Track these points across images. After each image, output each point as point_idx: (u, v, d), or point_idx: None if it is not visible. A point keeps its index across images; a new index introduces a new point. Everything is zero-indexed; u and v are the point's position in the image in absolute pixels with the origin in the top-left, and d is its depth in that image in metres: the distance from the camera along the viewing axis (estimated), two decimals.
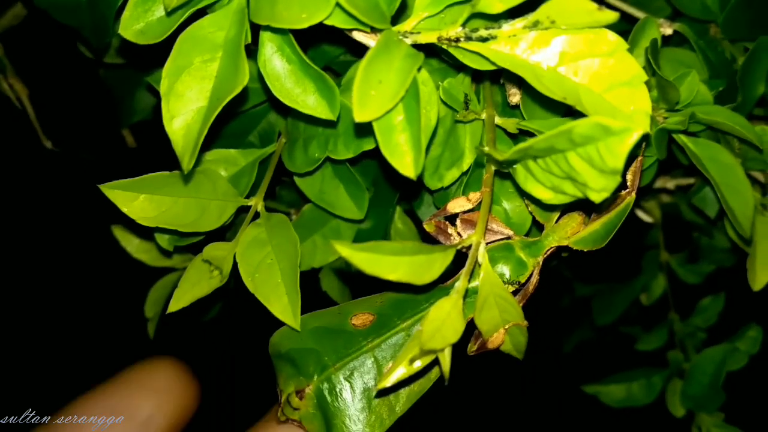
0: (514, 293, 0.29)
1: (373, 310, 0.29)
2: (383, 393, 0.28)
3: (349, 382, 0.28)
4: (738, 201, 0.32)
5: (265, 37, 0.26)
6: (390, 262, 0.22)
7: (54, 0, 0.34)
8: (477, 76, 0.31)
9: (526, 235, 0.31)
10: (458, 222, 0.28)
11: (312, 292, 0.37)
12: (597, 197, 0.22)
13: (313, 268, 0.38)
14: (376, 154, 0.30)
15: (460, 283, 0.26)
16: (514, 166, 0.25)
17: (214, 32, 0.25)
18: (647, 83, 0.23)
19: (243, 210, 0.33)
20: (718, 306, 0.55)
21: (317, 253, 0.37)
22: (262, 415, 0.31)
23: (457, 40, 0.24)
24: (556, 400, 0.97)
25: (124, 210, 0.29)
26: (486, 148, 0.28)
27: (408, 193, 0.36)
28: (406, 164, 0.24)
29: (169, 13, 0.26)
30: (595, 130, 0.21)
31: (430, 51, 0.27)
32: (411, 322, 0.28)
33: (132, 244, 0.44)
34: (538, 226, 0.31)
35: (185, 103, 0.25)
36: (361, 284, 0.41)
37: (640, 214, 0.53)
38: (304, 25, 0.24)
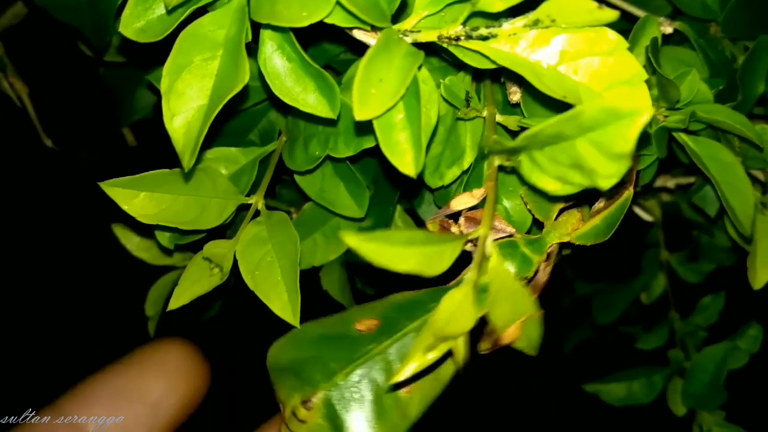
0: None
1: (377, 315, 0.28)
2: (397, 387, 0.27)
3: (359, 387, 0.27)
4: (738, 199, 0.32)
5: (266, 35, 0.26)
6: (399, 252, 0.22)
7: None
8: (477, 75, 0.32)
9: (527, 233, 0.31)
10: (462, 220, 0.28)
11: (312, 291, 0.37)
12: (606, 183, 0.22)
13: (314, 267, 0.38)
14: (376, 152, 0.30)
15: (470, 275, 0.25)
16: (519, 158, 0.25)
17: (214, 30, 0.25)
18: (647, 82, 0.23)
19: (243, 208, 0.33)
20: (719, 305, 0.55)
21: (318, 251, 0.37)
22: (263, 414, 0.30)
23: (458, 38, 0.25)
24: (557, 399, 0.97)
25: (125, 207, 0.29)
26: (494, 137, 0.28)
27: (408, 191, 0.36)
28: (406, 162, 0.24)
29: (170, 12, 0.26)
30: (604, 114, 0.20)
31: (430, 49, 0.27)
32: (420, 322, 0.27)
33: (132, 243, 0.44)
34: (537, 225, 0.31)
35: (186, 101, 0.25)
36: (367, 275, 0.41)
37: (641, 212, 0.53)
38: (305, 24, 0.24)
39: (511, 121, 0.31)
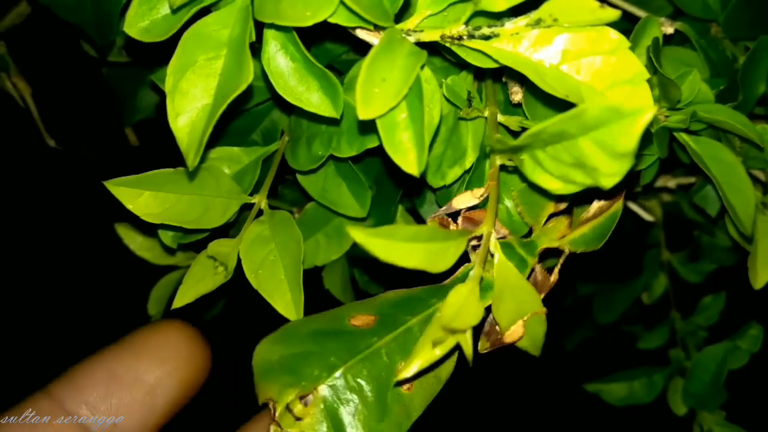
0: None
1: (373, 311, 0.28)
2: (398, 384, 0.26)
3: (361, 382, 0.26)
4: (739, 199, 0.32)
5: (269, 35, 0.27)
6: (405, 248, 0.22)
7: None
8: (479, 74, 0.32)
9: (526, 235, 0.31)
10: (460, 219, 0.29)
11: (315, 291, 0.38)
12: (608, 182, 0.22)
13: (316, 266, 0.38)
14: (378, 152, 0.30)
15: (475, 271, 0.26)
16: (521, 157, 0.25)
17: (218, 30, 0.26)
18: (649, 81, 0.23)
19: (246, 207, 0.33)
20: (719, 305, 0.55)
21: (320, 251, 0.37)
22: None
23: (460, 38, 0.25)
24: (558, 399, 0.97)
25: (129, 206, 0.29)
26: (497, 135, 0.28)
27: (410, 191, 0.36)
28: (409, 161, 0.24)
29: (174, 11, 0.26)
30: (607, 112, 0.20)
31: (432, 49, 0.27)
32: (422, 317, 0.27)
33: (135, 242, 0.44)
34: None
35: (190, 100, 0.25)
36: (372, 273, 0.41)
37: (642, 212, 0.53)
38: (308, 23, 0.24)
39: (513, 122, 0.31)
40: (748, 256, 0.36)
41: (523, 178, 0.27)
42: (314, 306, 0.30)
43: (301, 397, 0.26)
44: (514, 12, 0.24)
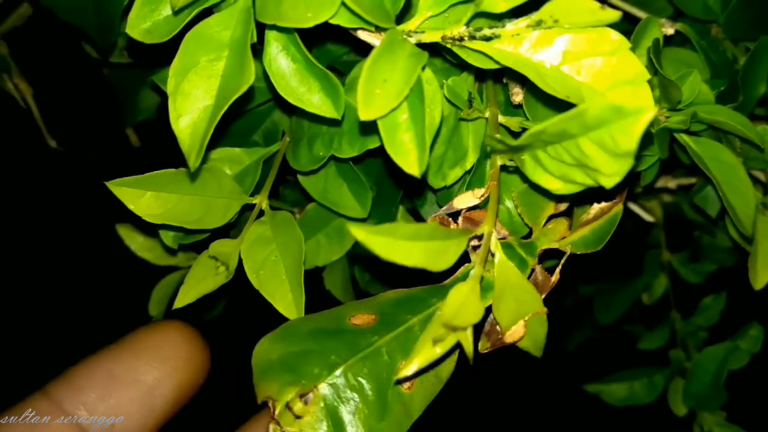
0: None
1: (373, 311, 0.27)
2: (399, 382, 0.26)
3: (362, 380, 0.26)
4: (740, 200, 0.32)
5: (271, 36, 0.27)
6: (405, 246, 0.22)
7: None
8: (480, 75, 0.32)
9: (525, 237, 0.31)
10: (461, 219, 0.29)
11: (315, 291, 0.38)
12: (609, 182, 0.22)
13: (317, 267, 0.38)
14: (379, 153, 0.30)
15: (476, 270, 0.26)
16: (522, 157, 0.25)
17: (220, 31, 0.26)
18: (649, 82, 0.23)
19: (247, 208, 0.33)
20: (720, 305, 0.55)
21: (321, 252, 0.38)
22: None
23: (461, 39, 0.25)
24: (558, 399, 0.97)
25: (131, 207, 0.29)
26: (498, 135, 0.28)
27: (411, 192, 0.37)
28: (410, 162, 0.24)
29: (176, 13, 0.26)
30: (608, 112, 0.21)
31: (433, 50, 0.27)
32: (423, 316, 0.27)
33: (136, 243, 0.44)
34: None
35: (192, 101, 0.25)
36: (373, 272, 0.41)
37: (642, 213, 0.53)
38: (310, 24, 0.24)
39: (514, 122, 0.31)
40: (749, 256, 0.36)
41: (524, 179, 0.27)
42: (315, 307, 0.30)
43: (301, 396, 0.25)
44: (515, 13, 0.24)
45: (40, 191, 0.86)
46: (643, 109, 0.20)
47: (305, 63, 0.27)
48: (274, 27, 0.26)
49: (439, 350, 0.24)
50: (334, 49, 0.35)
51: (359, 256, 0.41)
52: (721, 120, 0.31)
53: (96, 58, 0.43)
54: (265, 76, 0.27)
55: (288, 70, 0.27)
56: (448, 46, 0.25)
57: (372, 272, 0.42)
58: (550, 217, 0.30)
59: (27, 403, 0.26)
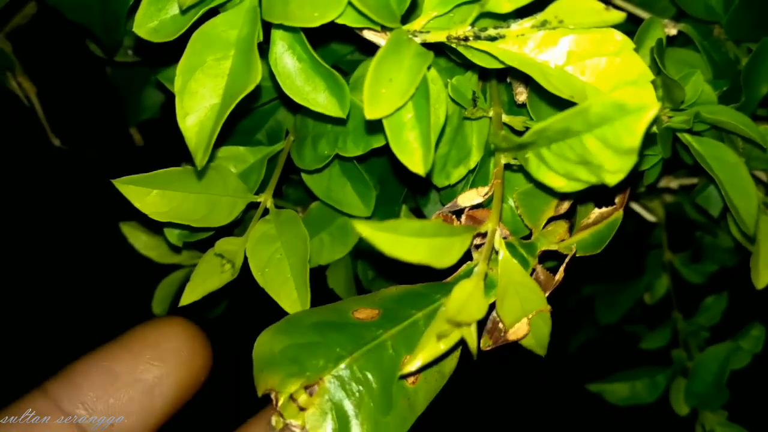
0: None
1: (376, 306, 0.27)
2: (403, 377, 0.26)
3: (367, 373, 0.26)
4: (742, 199, 0.32)
5: (277, 35, 0.27)
6: (410, 243, 0.22)
7: None
8: (484, 75, 0.32)
9: (525, 237, 0.31)
10: (464, 218, 0.29)
11: (318, 290, 0.38)
12: (612, 179, 0.22)
13: (320, 266, 0.38)
14: (382, 152, 0.30)
15: (480, 267, 0.26)
16: (526, 155, 0.25)
17: (226, 30, 0.26)
18: (653, 82, 0.24)
19: (252, 206, 0.34)
20: (721, 305, 0.56)
21: (324, 250, 0.38)
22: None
23: (466, 39, 0.25)
24: (560, 399, 0.97)
25: (137, 205, 0.29)
26: (502, 133, 0.29)
27: (414, 191, 0.37)
28: (415, 161, 0.24)
29: (183, 12, 0.26)
30: (612, 109, 0.21)
31: (437, 50, 0.28)
32: (428, 311, 0.27)
33: (140, 241, 0.44)
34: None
35: (199, 100, 0.25)
36: (378, 269, 0.41)
37: (644, 213, 0.53)
38: (316, 24, 0.24)
39: (517, 122, 0.31)
40: (751, 256, 0.36)
41: (528, 177, 0.28)
42: (318, 305, 0.30)
43: (306, 387, 0.25)
44: (520, 13, 0.24)
45: (44, 190, 0.86)
46: (646, 106, 0.20)
47: (311, 62, 0.27)
48: (280, 26, 0.26)
49: (443, 346, 0.24)
50: (338, 48, 0.35)
51: (363, 253, 0.41)
52: (724, 120, 0.32)
53: (99, 57, 0.43)
54: (271, 75, 0.27)
55: (294, 69, 0.27)
56: (453, 45, 0.25)
57: (375, 270, 0.42)
58: (550, 219, 0.30)
59: (26, 402, 0.26)
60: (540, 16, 0.23)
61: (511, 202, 0.31)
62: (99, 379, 0.26)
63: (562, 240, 0.30)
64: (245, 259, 0.32)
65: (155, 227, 0.40)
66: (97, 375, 0.26)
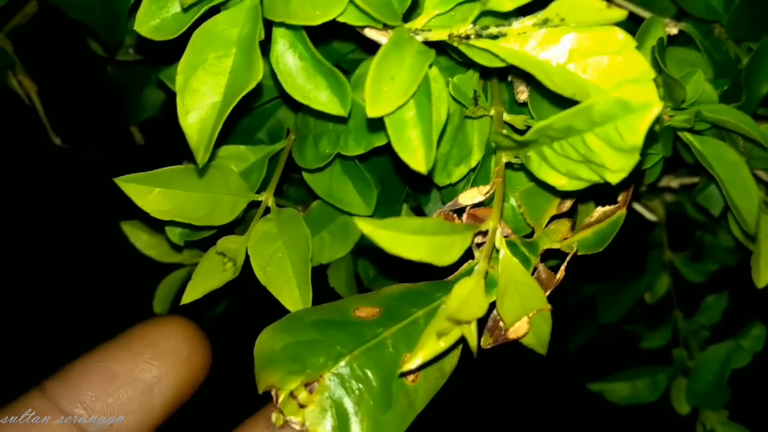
0: None
1: (377, 304, 0.28)
2: (403, 375, 0.26)
3: (367, 371, 0.26)
4: (743, 198, 0.32)
5: (278, 33, 0.27)
6: (411, 241, 0.22)
7: None
8: (485, 73, 0.32)
9: (527, 236, 0.31)
10: (465, 216, 0.29)
11: (319, 289, 0.38)
12: (614, 178, 0.22)
13: (321, 265, 0.38)
14: (384, 151, 0.30)
15: (480, 265, 0.26)
16: (528, 153, 0.25)
17: (228, 29, 0.26)
18: (654, 81, 0.24)
19: (253, 205, 0.34)
20: (722, 304, 0.56)
21: (325, 249, 0.38)
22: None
23: (468, 37, 0.25)
24: (561, 398, 0.97)
25: (139, 203, 0.29)
26: (503, 131, 0.29)
27: (415, 190, 0.37)
28: (417, 159, 0.24)
29: (185, 10, 0.26)
30: (615, 107, 0.21)
31: (438, 49, 0.28)
32: (429, 309, 0.27)
33: (141, 240, 0.44)
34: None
35: (200, 98, 0.25)
36: (379, 266, 0.41)
37: (645, 212, 0.53)
38: (318, 22, 0.24)
39: (518, 120, 0.31)
40: (751, 255, 0.36)
41: (529, 175, 0.28)
42: (319, 303, 0.30)
43: (306, 385, 0.25)
44: (522, 12, 0.24)
45: (44, 188, 0.86)
46: (649, 104, 0.20)
47: (312, 61, 0.27)
48: (281, 24, 0.26)
49: (443, 344, 0.24)
50: (339, 47, 0.35)
51: (364, 252, 0.41)
52: (725, 119, 0.32)
53: (100, 56, 0.43)
54: (272, 74, 0.27)
55: (295, 68, 0.27)
56: (455, 44, 0.25)
57: (376, 269, 0.42)
58: (553, 218, 0.30)
59: (25, 401, 0.26)
60: (542, 14, 0.23)
61: (512, 200, 0.31)
62: (98, 379, 0.26)
63: (564, 238, 0.30)
64: (246, 257, 0.32)
65: (156, 226, 0.40)
66: (96, 374, 0.26)
